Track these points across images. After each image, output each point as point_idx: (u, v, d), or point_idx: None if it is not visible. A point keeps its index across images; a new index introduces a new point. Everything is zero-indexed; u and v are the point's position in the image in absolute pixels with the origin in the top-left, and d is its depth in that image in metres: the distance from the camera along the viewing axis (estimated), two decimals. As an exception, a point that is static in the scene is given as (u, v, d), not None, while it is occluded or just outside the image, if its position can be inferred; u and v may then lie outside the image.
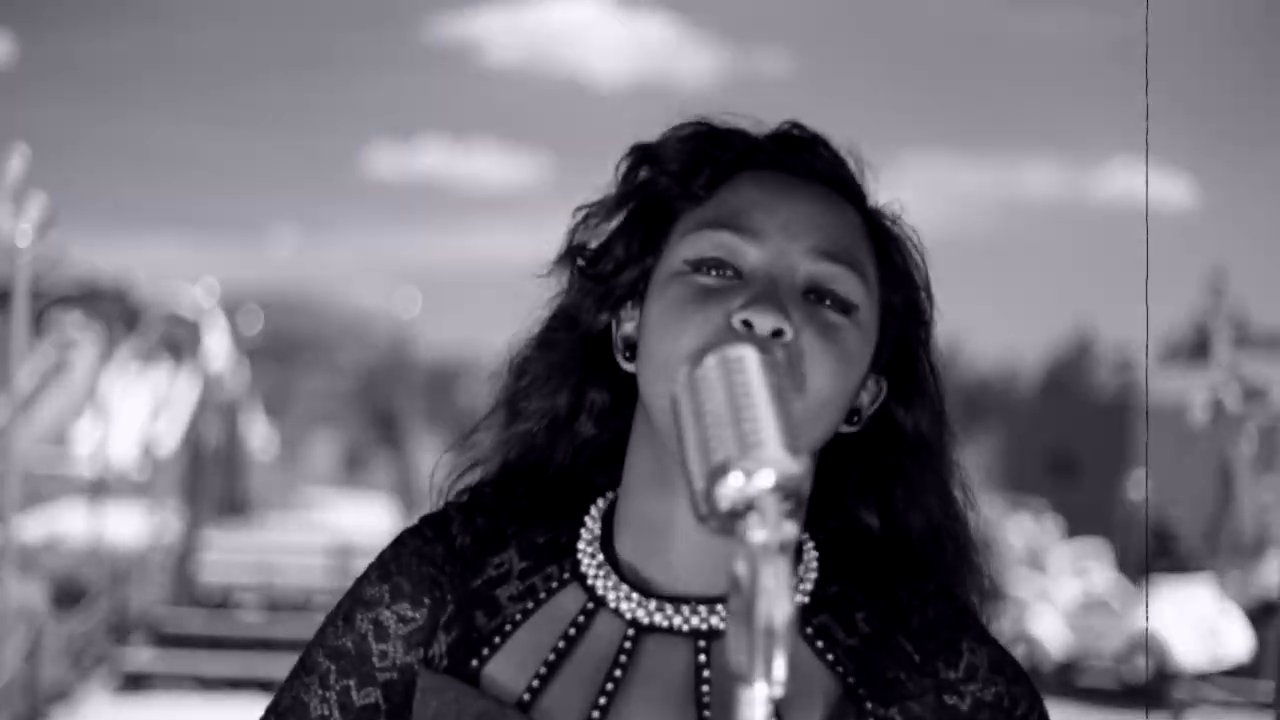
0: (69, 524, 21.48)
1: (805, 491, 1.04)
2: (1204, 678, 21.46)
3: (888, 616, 1.46)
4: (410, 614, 1.50)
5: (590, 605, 1.45)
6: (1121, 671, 23.25)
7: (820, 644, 1.44)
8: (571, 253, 1.54)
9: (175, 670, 19.77)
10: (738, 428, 1.06)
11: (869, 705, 1.41)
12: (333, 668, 1.50)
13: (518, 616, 1.46)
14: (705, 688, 1.40)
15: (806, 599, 1.46)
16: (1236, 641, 22.73)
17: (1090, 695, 22.33)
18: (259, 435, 37.64)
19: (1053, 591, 25.31)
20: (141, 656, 20.20)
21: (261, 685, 17.78)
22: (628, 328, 1.51)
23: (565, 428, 1.55)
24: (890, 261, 1.50)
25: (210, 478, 28.62)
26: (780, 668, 0.98)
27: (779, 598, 0.99)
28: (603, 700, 1.41)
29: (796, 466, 1.04)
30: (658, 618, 1.44)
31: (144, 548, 22.34)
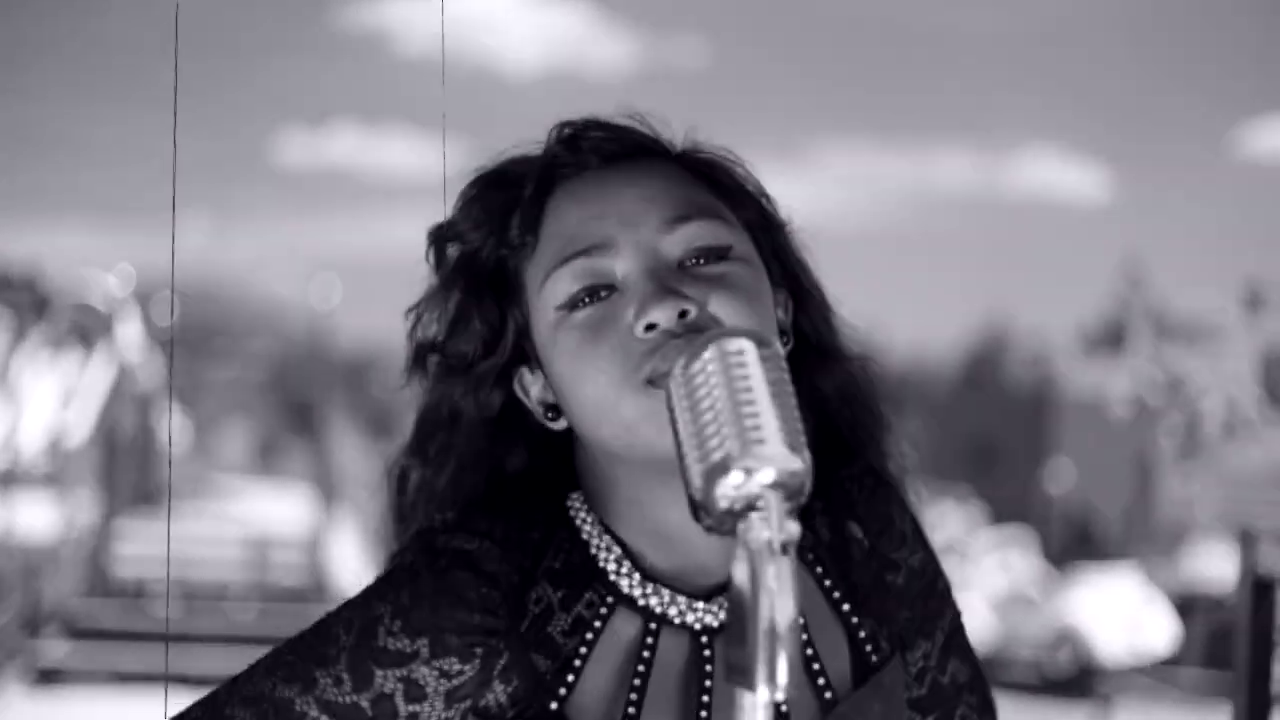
0: (-20, 516, 21.19)
1: (807, 489, 1.02)
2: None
3: (837, 510, 1.48)
4: (458, 668, 1.37)
5: (654, 626, 1.40)
6: (1043, 665, 23.35)
7: (809, 556, 1.47)
8: (423, 352, 1.48)
9: (90, 664, 19.59)
10: (738, 424, 1.02)
11: (869, 645, 1.45)
12: None
13: (582, 650, 1.39)
14: None
15: None
16: (1160, 633, 22.85)
17: (1016, 687, 22.41)
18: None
19: (976, 579, 25.47)
20: (56, 650, 19.97)
21: (177, 679, 17.56)
22: (536, 392, 1.46)
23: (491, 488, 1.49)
24: (724, 187, 1.47)
25: (123, 468, 28.31)
26: (783, 671, 0.96)
27: (782, 598, 0.96)
28: (704, 714, 1.38)
29: (798, 463, 1.01)
30: (725, 616, 1.40)
31: (56, 540, 22.11)
